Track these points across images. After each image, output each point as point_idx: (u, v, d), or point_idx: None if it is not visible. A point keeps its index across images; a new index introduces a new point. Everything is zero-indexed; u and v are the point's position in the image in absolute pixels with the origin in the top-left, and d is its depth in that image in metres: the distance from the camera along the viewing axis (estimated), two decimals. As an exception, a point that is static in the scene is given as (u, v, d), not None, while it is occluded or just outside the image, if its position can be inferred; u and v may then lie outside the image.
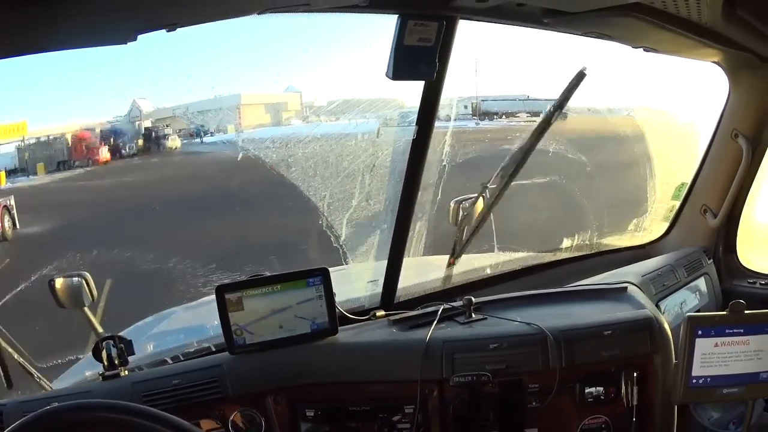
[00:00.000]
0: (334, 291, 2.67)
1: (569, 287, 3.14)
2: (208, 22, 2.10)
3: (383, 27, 2.48)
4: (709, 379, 2.40)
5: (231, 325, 2.56)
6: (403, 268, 3.13)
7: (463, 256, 3.64)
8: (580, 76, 3.03)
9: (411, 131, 2.85)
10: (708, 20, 2.59)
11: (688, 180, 3.83)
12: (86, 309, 2.95)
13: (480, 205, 3.36)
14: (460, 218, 3.47)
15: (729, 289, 3.72)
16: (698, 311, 3.43)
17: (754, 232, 3.84)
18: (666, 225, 4.03)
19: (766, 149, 3.54)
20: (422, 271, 3.60)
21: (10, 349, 2.73)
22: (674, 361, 2.55)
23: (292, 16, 2.37)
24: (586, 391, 2.59)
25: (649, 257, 3.75)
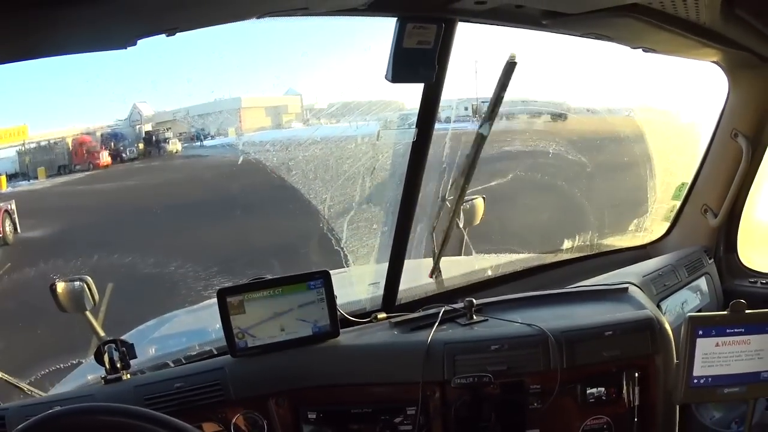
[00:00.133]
0: (335, 294, 2.67)
1: (570, 288, 3.14)
2: (207, 27, 2.11)
3: (382, 30, 2.49)
4: (710, 379, 2.40)
5: (233, 328, 2.57)
6: (404, 271, 3.13)
7: (464, 257, 3.65)
8: (511, 67, 2.98)
9: (411, 134, 2.85)
10: (707, 20, 2.59)
11: (689, 180, 3.84)
12: (88, 313, 2.95)
13: (448, 212, 3.36)
14: (461, 219, 3.48)
15: (730, 288, 3.72)
16: (699, 311, 3.43)
17: (754, 231, 3.84)
18: (666, 225, 4.04)
19: (765, 148, 3.54)
20: (423, 273, 3.61)
21: None
22: (675, 361, 2.56)
23: (292, 20, 2.37)
24: (588, 391, 2.59)
25: (650, 257, 3.76)
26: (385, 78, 2.54)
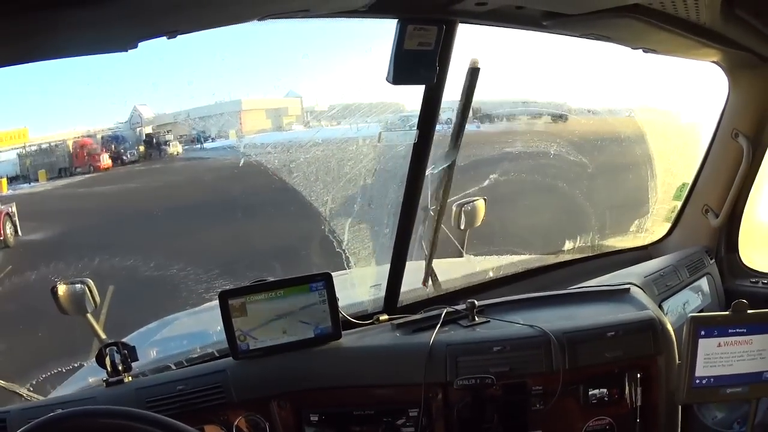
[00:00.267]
0: (337, 296, 2.67)
1: (572, 289, 3.14)
2: (208, 29, 2.11)
3: (383, 31, 2.49)
4: (712, 379, 2.40)
5: (234, 331, 2.57)
6: (405, 272, 3.13)
7: (465, 258, 3.65)
8: (474, 72, 2.91)
9: (412, 135, 2.85)
10: (707, 20, 2.59)
11: (689, 180, 3.84)
12: (89, 315, 2.95)
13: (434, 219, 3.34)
14: (462, 220, 3.48)
15: (731, 288, 3.71)
16: (701, 311, 3.43)
17: (755, 231, 3.84)
18: (668, 225, 4.03)
19: (766, 148, 3.54)
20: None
21: None
22: (677, 361, 2.56)
23: (292, 22, 2.37)
24: (590, 392, 2.59)
25: (651, 258, 3.76)
26: (386, 80, 2.54)
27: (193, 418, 2.27)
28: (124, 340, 2.62)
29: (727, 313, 2.39)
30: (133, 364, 2.57)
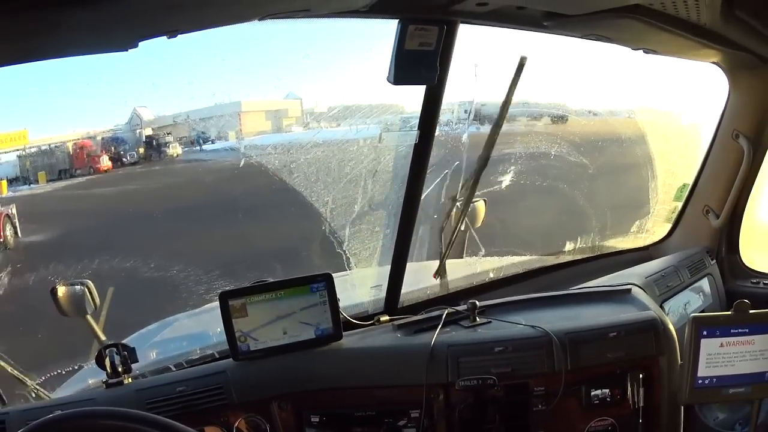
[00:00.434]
0: (337, 296, 2.67)
1: (573, 290, 3.14)
2: (208, 28, 2.10)
3: (384, 32, 2.49)
4: (714, 380, 2.40)
5: (235, 332, 2.56)
6: (406, 273, 3.13)
7: (465, 259, 3.64)
8: (521, 66, 2.98)
9: (413, 136, 2.85)
10: (707, 21, 2.59)
11: (690, 181, 3.84)
12: (89, 317, 2.94)
13: (456, 213, 3.37)
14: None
15: (732, 289, 3.72)
16: (702, 312, 3.43)
17: (756, 231, 3.84)
18: (668, 226, 4.04)
19: (766, 149, 3.54)
20: (425, 275, 3.60)
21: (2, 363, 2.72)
22: (680, 362, 2.55)
23: (293, 22, 2.37)
24: (592, 393, 2.59)
25: (652, 259, 3.76)
26: (387, 80, 2.54)
27: (194, 419, 2.26)
28: (124, 341, 2.62)
29: (729, 313, 2.38)
30: (133, 366, 2.57)
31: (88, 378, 2.89)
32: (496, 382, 2.52)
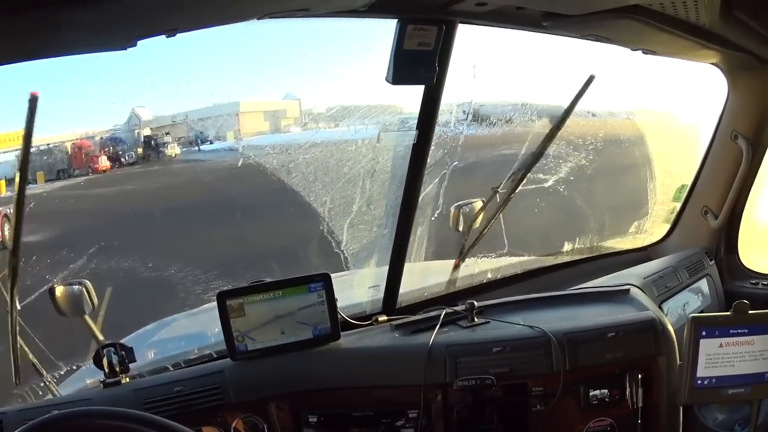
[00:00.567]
0: (335, 296, 2.67)
1: (571, 290, 3.14)
2: (207, 27, 2.10)
3: (383, 32, 2.49)
4: (714, 380, 2.39)
5: (232, 332, 2.56)
6: (404, 274, 3.13)
7: (467, 260, 3.64)
8: (590, 81, 3.18)
9: (411, 136, 2.85)
10: (706, 22, 2.59)
11: (689, 182, 3.84)
12: (87, 317, 2.94)
13: (480, 208, 3.39)
14: (460, 223, 3.48)
15: (731, 290, 3.72)
16: (701, 313, 3.43)
17: (755, 232, 3.84)
18: (667, 227, 4.04)
19: (765, 150, 3.54)
20: (423, 275, 3.60)
21: (26, 348, 2.73)
22: (678, 362, 2.55)
23: (292, 22, 2.36)
24: (591, 393, 2.59)
25: (651, 259, 3.76)
26: (386, 80, 2.53)
27: (191, 419, 2.26)
28: (121, 341, 2.61)
29: (728, 313, 2.38)
30: (131, 366, 2.57)
31: (86, 377, 2.89)
32: (494, 383, 2.52)
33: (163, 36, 1.96)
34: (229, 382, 2.50)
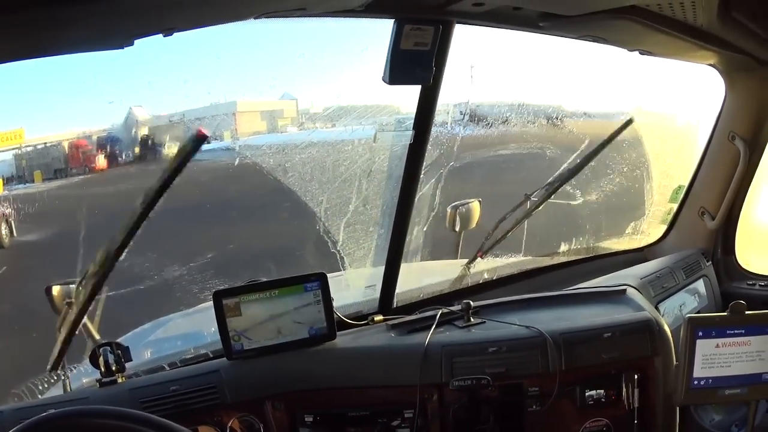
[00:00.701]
0: (331, 296, 2.66)
1: (568, 290, 3.14)
2: (204, 27, 2.10)
3: (380, 31, 2.48)
4: (710, 380, 2.39)
5: (229, 331, 2.56)
6: (400, 274, 3.13)
7: (463, 260, 3.64)
8: (628, 123, 3.50)
9: (408, 136, 2.85)
10: (703, 23, 2.59)
11: (686, 182, 3.84)
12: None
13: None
14: (456, 223, 3.49)
15: (728, 291, 3.72)
16: (697, 313, 3.43)
17: (752, 233, 3.84)
18: (664, 228, 4.04)
19: (763, 151, 3.54)
20: (420, 276, 3.60)
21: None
22: (675, 363, 2.55)
23: (289, 21, 2.36)
24: (587, 393, 2.58)
25: (647, 260, 3.76)
26: (382, 80, 2.53)
27: (187, 418, 2.25)
28: (118, 340, 2.61)
29: (725, 314, 2.38)
30: (127, 365, 2.56)
31: (82, 377, 2.88)
32: (490, 383, 2.52)
33: (161, 35, 1.96)
34: (225, 382, 2.50)
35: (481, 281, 3.54)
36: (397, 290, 3.14)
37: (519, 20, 2.64)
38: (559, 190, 3.67)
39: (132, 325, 3.64)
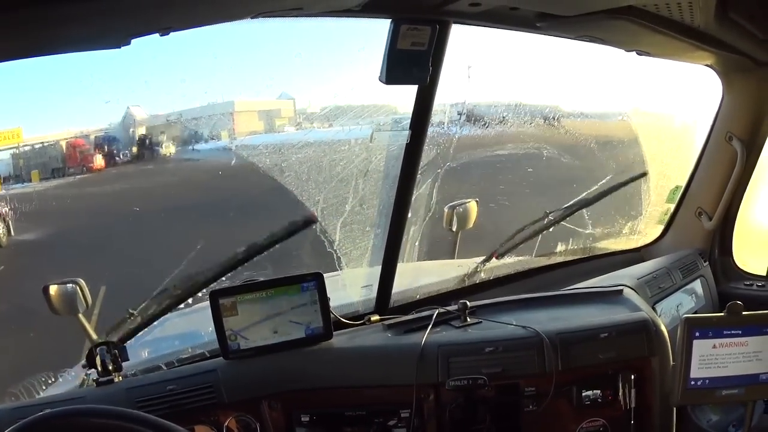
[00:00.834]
0: (328, 296, 2.66)
1: (565, 291, 3.14)
2: (201, 26, 2.10)
3: (376, 31, 2.48)
4: (707, 381, 2.39)
5: (225, 330, 2.56)
6: (397, 274, 3.13)
7: (460, 260, 3.64)
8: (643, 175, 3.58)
9: (404, 136, 2.85)
10: (701, 23, 2.59)
11: (683, 183, 3.84)
12: (80, 315, 2.94)
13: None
14: (454, 223, 3.50)
15: (725, 291, 3.72)
16: (694, 314, 3.43)
17: (749, 234, 3.85)
18: (661, 228, 4.04)
19: (760, 151, 3.55)
20: (416, 276, 3.60)
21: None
22: (672, 363, 2.55)
23: (286, 21, 2.36)
24: (584, 394, 2.59)
25: (644, 260, 3.77)
26: (379, 80, 2.53)
27: (184, 418, 2.25)
28: (115, 340, 2.61)
29: (722, 314, 2.38)
30: (124, 364, 2.56)
31: (79, 376, 2.88)
32: (486, 382, 2.52)
33: (158, 35, 1.96)
34: (222, 381, 2.50)
35: (477, 281, 3.54)
36: (394, 290, 3.14)
37: (516, 20, 2.64)
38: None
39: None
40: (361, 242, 3.49)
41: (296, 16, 2.32)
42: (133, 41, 1.92)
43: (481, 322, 2.80)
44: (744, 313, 2.38)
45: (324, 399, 2.59)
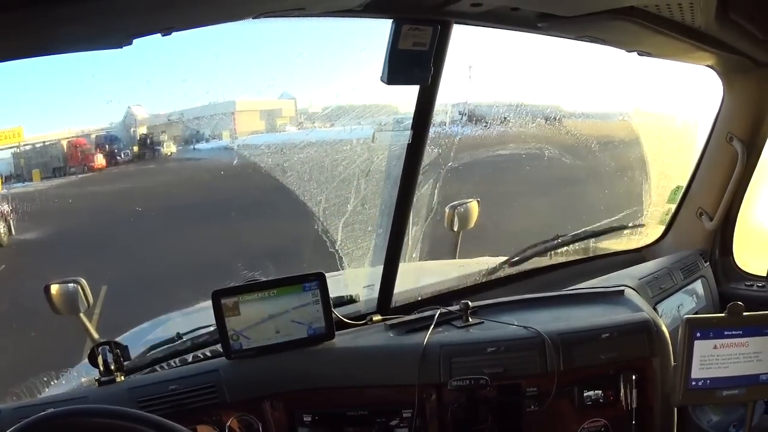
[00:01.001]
0: (330, 295, 2.67)
1: (566, 291, 3.13)
2: (203, 26, 2.10)
3: (378, 31, 2.49)
4: (708, 381, 2.39)
5: (227, 330, 2.56)
6: (399, 273, 3.13)
7: (459, 260, 3.64)
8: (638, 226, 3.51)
9: (406, 136, 2.85)
10: (701, 24, 2.59)
11: (684, 183, 3.84)
12: (82, 315, 2.94)
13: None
14: (455, 223, 3.50)
15: (726, 291, 3.72)
16: (695, 314, 3.43)
17: (750, 234, 3.85)
18: (662, 228, 4.04)
19: (761, 152, 3.55)
20: (418, 276, 3.61)
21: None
22: (673, 363, 2.55)
23: (287, 21, 2.37)
24: (585, 394, 2.58)
25: (646, 261, 3.76)
26: (381, 80, 2.53)
27: (186, 418, 2.25)
28: (116, 339, 2.61)
29: (723, 315, 2.38)
30: (126, 364, 2.56)
31: (81, 376, 2.88)
32: (488, 383, 2.52)
33: (159, 35, 1.96)
34: (224, 381, 2.50)
35: (479, 281, 3.54)
36: (396, 290, 3.14)
37: (517, 21, 2.64)
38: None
39: (131, 324, 3.64)
40: (363, 242, 3.49)
41: (298, 17, 2.32)
42: (135, 41, 1.92)
43: (483, 322, 2.80)
44: (744, 313, 2.38)
45: (326, 399, 2.59)
